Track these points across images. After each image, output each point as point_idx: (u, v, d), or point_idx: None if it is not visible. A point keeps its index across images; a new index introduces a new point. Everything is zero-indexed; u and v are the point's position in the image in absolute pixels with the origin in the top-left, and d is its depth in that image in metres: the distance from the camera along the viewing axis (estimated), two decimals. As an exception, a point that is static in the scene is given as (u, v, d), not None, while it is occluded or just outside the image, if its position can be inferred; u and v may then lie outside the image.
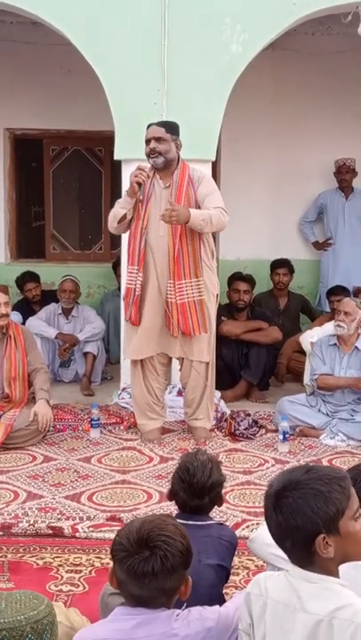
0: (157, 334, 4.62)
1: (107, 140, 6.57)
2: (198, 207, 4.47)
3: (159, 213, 4.37)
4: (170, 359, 4.83)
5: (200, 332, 4.58)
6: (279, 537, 1.75)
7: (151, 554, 1.77)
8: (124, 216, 4.52)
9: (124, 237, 5.10)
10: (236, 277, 6.02)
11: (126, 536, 1.82)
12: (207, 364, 4.74)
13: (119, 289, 6.04)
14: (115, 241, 7.18)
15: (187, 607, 1.92)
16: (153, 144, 4.45)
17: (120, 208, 4.52)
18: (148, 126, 4.55)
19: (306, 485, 1.70)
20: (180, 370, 4.80)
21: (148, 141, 4.47)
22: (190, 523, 2.42)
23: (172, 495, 2.58)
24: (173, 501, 2.60)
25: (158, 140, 4.46)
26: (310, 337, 5.41)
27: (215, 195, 4.53)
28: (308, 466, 1.79)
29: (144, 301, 4.56)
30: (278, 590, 1.74)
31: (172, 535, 1.82)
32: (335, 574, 1.71)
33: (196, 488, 2.49)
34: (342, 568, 1.75)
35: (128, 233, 4.63)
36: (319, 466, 1.81)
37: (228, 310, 5.86)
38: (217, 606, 2.01)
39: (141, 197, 4.45)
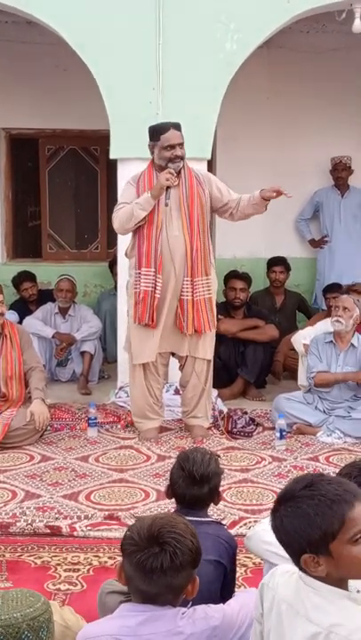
0: (168, 334, 4.62)
1: (102, 138, 6.57)
2: (210, 205, 4.56)
3: (174, 211, 4.44)
4: (169, 359, 4.83)
5: (210, 329, 4.64)
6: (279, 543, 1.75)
7: (161, 550, 1.79)
8: (144, 218, 4.45)
9: (122, 237, 5.08)
10: (232, 276, 6.03)
11: (137, 531, 1.83)
12: (209, 361, 4.76)
13: (116, 288, 6.04)
14: (111, 240, 7.18)
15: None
16: (178, 151, 4.42)
17: (140, 210, 4.40)
18: (163, 129, 4.45)
19: (295, 503, 1.65)
20: (182, 368, 4.80)
21: (171, 147, 4.40)
22: (189, 518, 2.42)
23: (170, 490, 2.59)
24: (172, 499, 2.60)
25: (181, 145, 4.45)
26: (303, 338, 5.41)
27: (227, 188, 4.65)
28: (315, 479, 1.70)
29: (161, 302, 4.54)
30: (287, 589, 1.73)
31: (183, 533, 1.83)
32: (342, 587, 1.66)
33: (196, 475, 2.50)
34: None
35: (137, 236, 4.54)
36: (326, 480, 1.69)
37: (224, 308, 5.87)
38: (222, 605, 2.02)
39: (168, 201, 4.39)
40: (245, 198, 4.58)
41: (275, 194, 4.46)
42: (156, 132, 4.49)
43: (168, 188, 4.36)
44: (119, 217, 4.51)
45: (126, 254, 4.76)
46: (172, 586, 1.80)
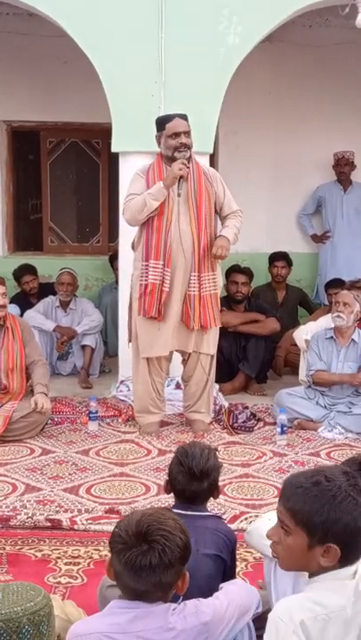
0: (176, 329, 4.62)
1: (104, 131, 6.56)
2: (215, 202, 4.58)
3: (181, 204, 4.44)
4: (172, 353, 4.82)
5: (215, 324, 4.65)
6: None
7: (149, 548, 1.77)
8: (156, 208, 4.44)
9: (124, 230, 5.07)
10: (234, 270, 6.03)
11: (125, 528, 1.81)
12: (212, 356, 4.76)
13: (117, 282, 6.03)
14: (113, 233, 7.17)
15: (185, 598, 1.92)
16: (184, 139, 4.42)
17: (153, 200, 4.38)
18: (168, 118, 4.47)
19: None
20: (185, 363, 4.79)
21: (176, 135, 4.41)
22: (188, 513, 2.43)
23: (169, 485, 2.58)
24: (171, 493, 2.60)
25: (187, 133, 4.45)
26: (304, 334, 5.41)
27: (230, 196, 4.66)
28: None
29: (170, 297, 4.52)
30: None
31: (172, 530, 1.81)
32: None
33: (196, 470, 2.50)
34: None
35: (146, 228, 4.51)
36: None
37: (225, 303, 5.86)
38: (211, 599, 2.01)
39: (180, 191, 4.40)
40: (226, 223, 4.63)
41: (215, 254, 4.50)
42: (161, 122, 4.50)
43: (181, 177, 4.36)
44: (131, 208, 4.48)
45: (133, 246, 4.74)
46: (162, 583, 1.79)
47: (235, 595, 2.07)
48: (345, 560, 1.69)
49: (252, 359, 5.79)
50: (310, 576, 1.74)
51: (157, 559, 1.76)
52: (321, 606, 1.64)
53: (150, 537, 1.78)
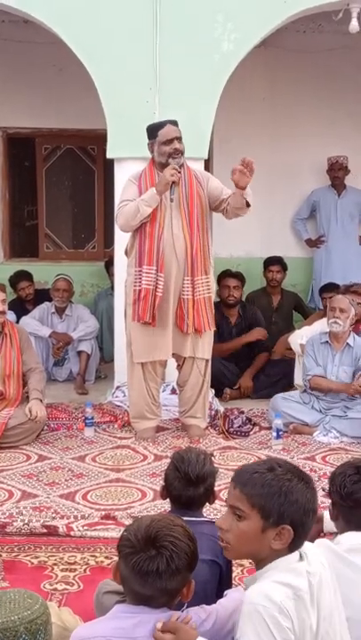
0: (170, 334, 4.62)
1: (99, 138, 6.57)
2: (208, 203, 4.58)
3: (174, 212, 4.45)
4: (167, 359, 4.83)
5: (210, 328, 4.66)
6: None
7: (157, 553, 1.77)
8: (149, 214, 4.45)
9: (120, 236, 5.08)
10: (225, 274, 6.05)
11: (134, 532, 1.82)
12: (207, 361, 4.77)
13: (112, 288, 6.04)
14: (108, 239, 7.18)
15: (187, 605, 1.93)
16: (177, 144, 4.45)
17: (146, 206, 4.41)
18: (160, 125, 4.51)
19: None
20: (180, 368, 4.79)
21: (169, 141, 4.44)
22: (184, 518, 2.42)
23: (165, 490, 2.59)
24: (167, 499, 2.60)
25: (179, 139, 4.48)
26: (299, 338, 5.41)
27: (226, 188, 4.62)
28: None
29: (166, 302, 4.53)
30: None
31: (180, 537, 1.82)
32: None
33: (192, 476, 2.50)
34: None
35: (138, 234, 4.53)
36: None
37: (217, 308, 5.85)
38: (214, 605, 2.02)
39: (173, 196, 4.42)
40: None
41: (237, 174, 4.30)
42: (153, 130, 4.52)
43: (173, 183, 4.38)
44: (124, 214, 4.50)
45: (126, 252, 4.75)
46: (168, 589, 1.79)
47: (238, 602, 2.07)
48: (294, 543, 1.81)
49: (264, 392, 5.73)
50: (258, 567, 1.84)
51: (165, 565, 1.76)
52: (289, 587, 1.75)
53: (159, 542, 1.79)
